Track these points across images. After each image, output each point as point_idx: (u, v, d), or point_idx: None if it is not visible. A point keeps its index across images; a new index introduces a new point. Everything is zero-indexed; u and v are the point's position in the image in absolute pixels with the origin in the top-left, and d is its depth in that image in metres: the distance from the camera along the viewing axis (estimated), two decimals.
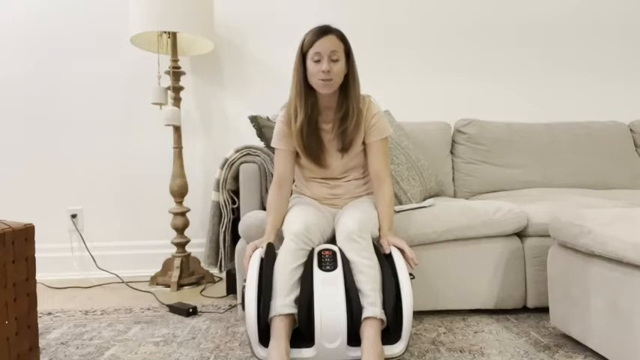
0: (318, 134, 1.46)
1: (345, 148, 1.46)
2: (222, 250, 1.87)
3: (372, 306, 1.18)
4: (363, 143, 1.50)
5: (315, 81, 1.38)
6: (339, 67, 1.38)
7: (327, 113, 1.47)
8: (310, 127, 1.43)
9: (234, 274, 1.95)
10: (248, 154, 1.82)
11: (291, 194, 1.67)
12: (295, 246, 1.28)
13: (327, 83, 1.37)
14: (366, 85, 2.54)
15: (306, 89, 1.42)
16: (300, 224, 1.31)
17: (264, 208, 1.76)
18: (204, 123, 2.51)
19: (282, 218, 1.44)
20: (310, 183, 1.56)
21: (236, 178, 1.83)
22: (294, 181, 1.63)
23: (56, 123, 2.43)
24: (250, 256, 1.32)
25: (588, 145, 2.34)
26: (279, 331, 1.16)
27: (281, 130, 1.48)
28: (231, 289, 1.98)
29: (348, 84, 1.43)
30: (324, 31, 1.38)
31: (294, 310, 1.19)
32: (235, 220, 1.87)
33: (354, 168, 1.53)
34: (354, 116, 1.43)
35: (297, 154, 1.52)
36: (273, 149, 1.82)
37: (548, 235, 1.65)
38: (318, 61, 1.37)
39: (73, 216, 2.43)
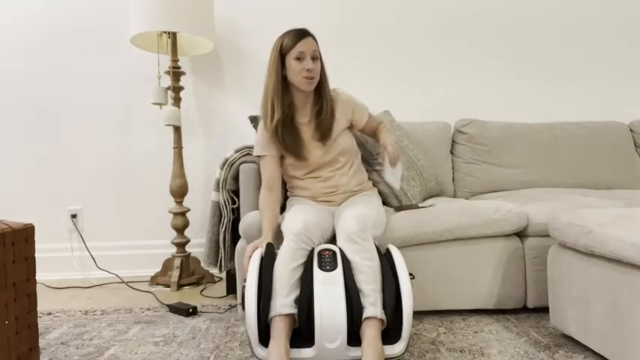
0: (296, 129, 1.54)
1: (324, 137, 1.54)
2: (222, 250, 1.87)
3: (373, 306, 1.18)
4: (349, 128, 1.63)
5: (298, 79, 1.48)
6: (319, 66, 1.51)
7: (303, 111, 1.56)
8: (286, 124, 1.51)
9: (234, 274, 1.95)
10: (248, 154, 1.82)
11: (287, 198, 1.67)
12: (295, 246, 1.28)
13: (310, 81, 1.48)
14: (366, 85, 2.55)
15: (283, 88, 1.50)
16: (300, 224, 1.31)
17: None
18: (204, 123, 2.51)
19: (276, 218, 1.49)
20: (304, 182, 1.58)
21: (236, 178, 1.83)
22: (285, 184, 1.64)
23: (56, 123, 2.43)
24: (250, 257, 1.33)
25: (588, 145, 2.34)
26: (279, 331, 1.16)
27: (263, 136, 1.55)
28: (231, 289, 1.98)
29: (321, 83, 1.55)
30: (304, 33, 1.49)
31: (294, 310, 1.19)
32: (235, 220, 1.87)
33: (341, 154, 1.57)
34: (328, 107, 1.55)
35: (282, 157, 1.57)
36: None
37: (548, 235, 1.65)
38: (300, 60, 1.47)
39: (73, 216, 2.43)
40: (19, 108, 2.42)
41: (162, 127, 2.46)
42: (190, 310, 1.71)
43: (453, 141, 2.38)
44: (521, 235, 1.71)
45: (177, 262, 2.18)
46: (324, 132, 1.54)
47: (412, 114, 2.54)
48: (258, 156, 1.58)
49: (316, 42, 1.52)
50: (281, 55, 1.50)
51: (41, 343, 1.47)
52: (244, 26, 2.50)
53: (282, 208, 1.65)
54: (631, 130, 2.46)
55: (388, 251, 1.38)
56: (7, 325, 1.07)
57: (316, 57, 1.50)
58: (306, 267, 1.26)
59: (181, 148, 2.23)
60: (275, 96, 1.50)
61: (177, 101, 2.21)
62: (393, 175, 1.59)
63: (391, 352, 1.19)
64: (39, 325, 1.57)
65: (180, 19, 2.02)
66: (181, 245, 2.23)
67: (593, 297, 1.22)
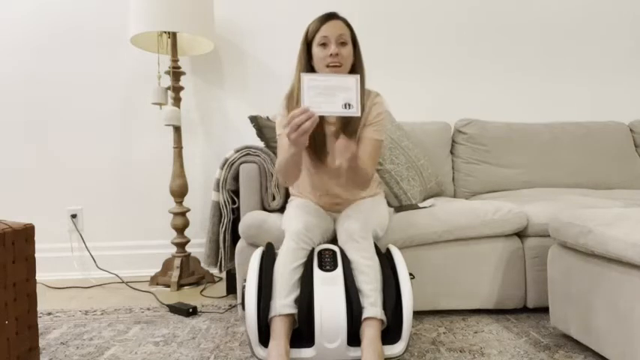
0: (322, 125, 1.39)
1: (349, 137, 1.35)
2: (222, 250, 1.87)
3: (373, 306, 1.18)
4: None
5: (322, 67, 1.34)
6: (348, 52, 1.35)
7: None
8: None
9: (234, 274, 1.95)
10: (248, 154, 1.82)
11: (288, 196, 1.66)
12: (295, 245, 1.27)
13: (335, 69, 1.33)
14: (366, 84, 2.54)
15: None
16: (300, 224, 1.31)
17: (264, 208, 1.76)
18: (204, 123, 2.51)
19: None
20: (312, 189, 1.52)
21: (236, 178, 1.83)
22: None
23: (56, 123, 2.43)
24: (298, 117, 1.13)
25: (588, 145, 2.34)
26: (279, 331, 1.16)
27: (285, 119, 1.38)
28: (231, 289, 1.98)
29: (354, 72, 1.38)
30: (329, 16, 1.35)
31: (294, 310, 1.19)
32: (235, 220, 1.87)
33: None
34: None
35: None
36: (272, 149, 1.82)
37: (548, 235, 1.65)
38: (325, 46, 1.33)
39: (73, 216, 2.43)
40: (19, 108, 2.42)
41: (163, 127, 2.46)
42: (190, 310, 1.71)
43: (453, 141, 2.38)
44: (521, 235, 1.71)
45: (177, 262, 2.18)
46: (349, 133, 1.34)
47: (412, 114, 2.54)
48: (279, 135, 1.43)
49: (347, 25, 1.37)
50: (307, 43, 1.37)
51: (41, 343, 1.47)
52: (244, 26, 2.50)
53: (283, 209, 1.65)
54: (631, 130, 2.46)
55: (388, 251, 1.38)
56: (7, 325, 1.07)
57: (344, 42, 1.34)
58: (306, 267, 1.26)
59: (181, 148, 2.23)
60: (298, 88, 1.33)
61: (177, 101, 2.21)
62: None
63: (391, 352, 1.19)
64: (39, 325, 1.57)
65: (180, 19, 2.02)
66: (181, 245, 2.23)
67: (593, 297, 1.22)
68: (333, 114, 1.18)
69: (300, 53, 1.39)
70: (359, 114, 1.18)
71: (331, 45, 1.32)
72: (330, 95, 1.17)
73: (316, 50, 1.35)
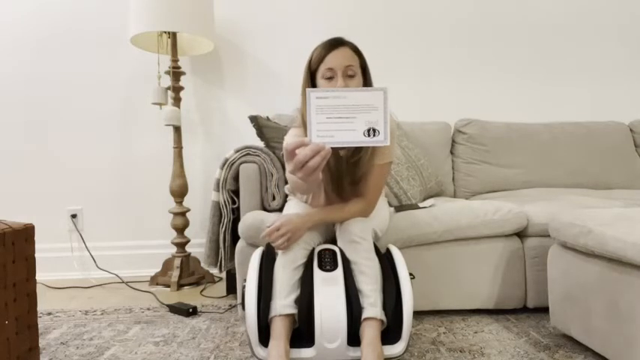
0: (339, 160, 1.28)
1: (355, 182, 1.29)
2: (222, 250, 1.87)
3: (372, 306, 1.18)
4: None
5: None
6: (357, 84, 1.21)
7: None
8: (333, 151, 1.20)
9: (234, 274, 1.95)
10: (248, 154, 1.82)
11: (286, 197, 1.66)
12: (295, 245, 1.27)
13: None
14: None
15: None
16: None
17: (264, 208, 1.76)
18: (204, 123, 2.50)
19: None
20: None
21: (236, 178, 1.83)
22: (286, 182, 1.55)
23: (56, 123, 2.43)
24: (297, 147, 0.95)
25: (588, 145, 2.34)
26: (279, 332, 1.16)
27: (297, 133, 1.30)
28: (231, 289, 1.99)
29: None
30: (335, 43, 1.22)
31: (294, 310, 1.19)
32: (235, 220, 1.87)
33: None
34: (369, 147, 1.24)
35: None
36: (273, 149, 1.82)
37: (548, 235, 1.64)
38: (330, 79, 1.20)
39: (73, 216, 2.43)
40: (19, 108, 2.42)
41: (163, 127, 2.45)
42: (190, 310, 1.71)
43: (453, 141, 2.38)
44: (521, 235, 1.71)
45: (177, 262, 2.18)
46: (355, 177, 1.26)
47: (412, 114, 2.54)
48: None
49: (356, 53, 1.25)
50: (310, 73, 1.24)
51: (41, 343, 1.47)
52: (244, 26, 2.50)
53: (283, 209, 1.65)
54: (631, 130, 2.46)
55: (388, 251, 1.38)
56: (7, 325, 1.07)
57: (352, 74, 1.21)
58: (306, 267, 1.26)
59: (181, 148, 2.23)
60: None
61: (177, 101, 2.21)
62: None
63: (391, 352, 1.19)
64: (39, 325, 1.57)
65: (181, 19, 2.02)
66: (181, 245, 2.23)
67: (593, 297, 1.22)
68: (352, 144, 0.90)
69: (304, 83, 1.25)
70: (388, 142, 0.91)
71: (337, 79, 1.18)
72: (346, 118, 0.89)
73: (321, 82, 1.22)
